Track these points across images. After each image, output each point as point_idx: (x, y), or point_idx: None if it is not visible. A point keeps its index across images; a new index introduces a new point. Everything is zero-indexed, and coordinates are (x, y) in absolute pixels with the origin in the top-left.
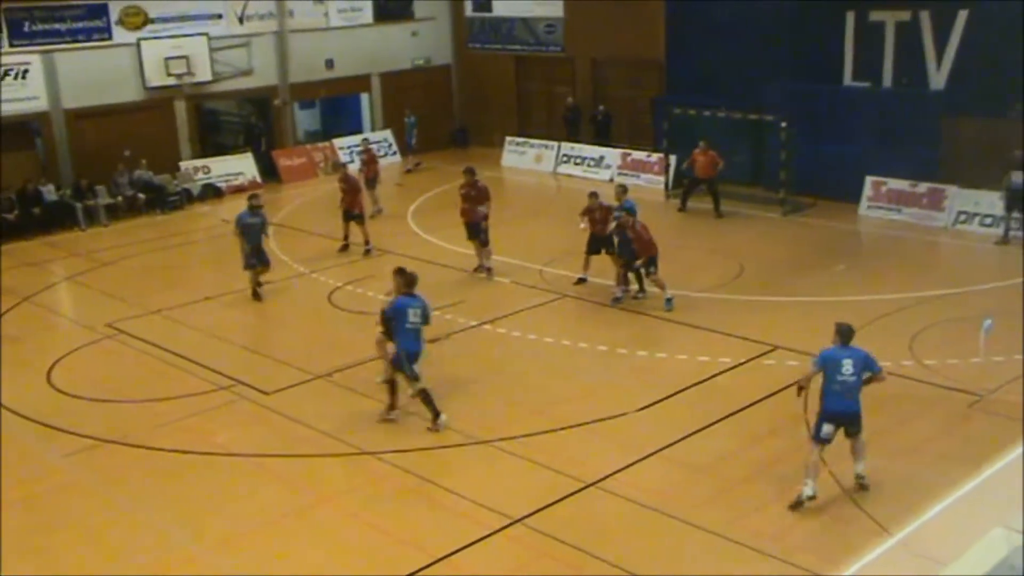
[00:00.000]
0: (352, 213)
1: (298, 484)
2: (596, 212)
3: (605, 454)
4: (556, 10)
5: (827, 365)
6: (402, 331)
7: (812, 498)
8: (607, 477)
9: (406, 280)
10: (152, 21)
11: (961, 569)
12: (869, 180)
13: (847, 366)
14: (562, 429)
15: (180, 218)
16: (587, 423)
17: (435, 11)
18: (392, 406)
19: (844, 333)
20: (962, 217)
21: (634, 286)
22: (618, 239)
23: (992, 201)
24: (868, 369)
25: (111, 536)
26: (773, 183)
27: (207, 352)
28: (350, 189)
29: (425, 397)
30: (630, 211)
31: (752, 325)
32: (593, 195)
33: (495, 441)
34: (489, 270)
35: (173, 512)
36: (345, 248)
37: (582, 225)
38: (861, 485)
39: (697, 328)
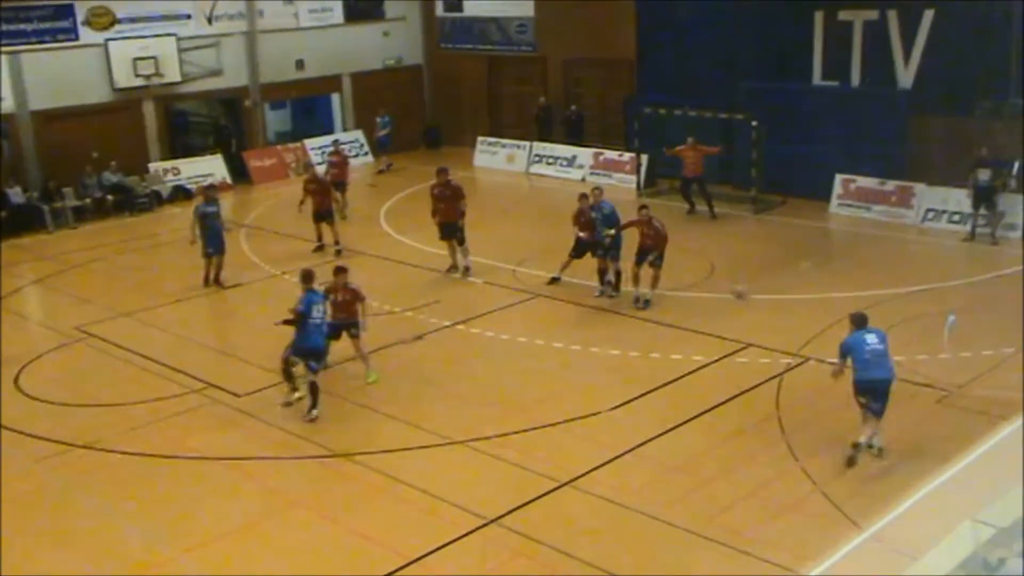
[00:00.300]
0: (322, 213)
1: (271, 487)
2: (587, 215)
3: (579, 453)
4: (527, 10)
5: (852, 347)
6: (307, 326)
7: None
8: (581, 476)
9: (304, 276)
10: (119, 21)
11: (932, 562)
12: (839, 178)
13: (872, 339)
14: (536, 429)
15: (149, 220)
16: (561, 422)
17: (406, 11)
18: (295, 388)
19: (858, 320)
20: (930, 214)
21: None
22: (610, 237)
23: (959, 198)
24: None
25: (82, 542)
26: (744, 181)
27: (178, 355)
28: (320, 189)
29: (313, 388)
30: (610, 214)
31: (724, 323)
32: (584, 197)
33: (469, 441)
34: (467, 269)
35: (145, 517)
36: (319, 249)
37: (582, 233)
38: (870, 452)
39: (670, 327)
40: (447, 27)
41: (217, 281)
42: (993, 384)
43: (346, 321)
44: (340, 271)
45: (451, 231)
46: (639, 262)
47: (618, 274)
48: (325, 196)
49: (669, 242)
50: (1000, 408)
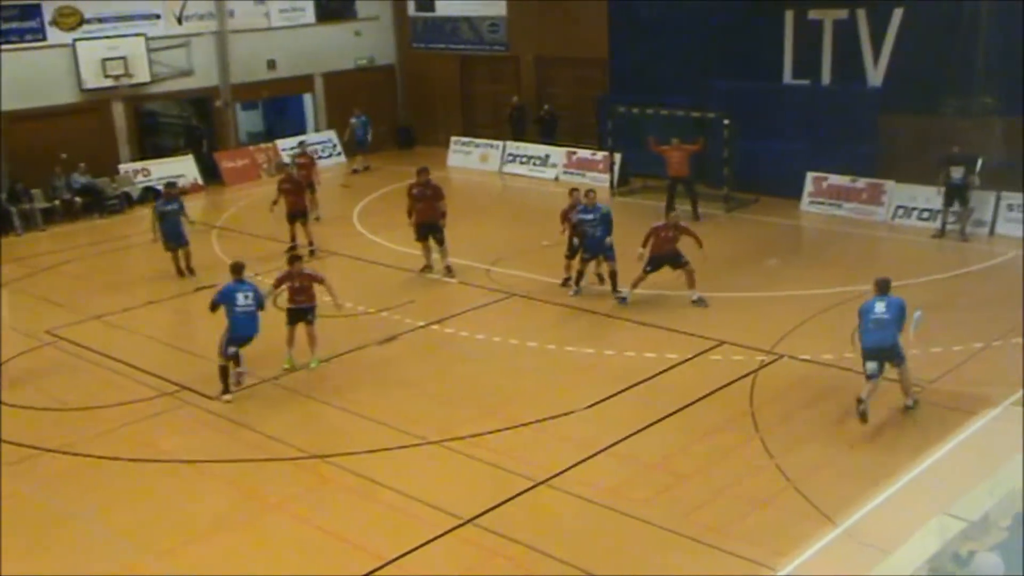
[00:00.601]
0: (295, 214)
1: (245, 489)
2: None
3: (555, 452)
4: (499, 9)
5: (863, 312)
6: (234, 315)
7: (865, 413)
8: (557, 475)
9: (233, 268)
10: (88, 21)
11: (904, 556)
12: (810, 176)
13: (880, 307)
14: (511, 428)
15: (120, 222)
16: (536, 421)
17: (378, 11)
18: (238, 368)
19: (881, 285)
20: (900, 211)
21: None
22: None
23: (928, 196)
24: (902, 313)
25: (53, 548)
26: (716, 180)
27: (150, 357)
28: (294, 189)
29: (223, 372)
30: (607, 214)
31: (698, 321)
32: (575, 191)
33: (444, 441)
34: (448, 268)
35: (117, 521)
36: (293, 250)
37: (563, 232)
38: (907, 409)
39: (644, 325)
40: (419, 27)
41: (189, 271)
42: (963, 379)
43: (306, 306)
44: (294, 260)
45: (429, 231)
46: (655, 269)
47: (613, 274)
48: (299, 196)
49: (620, 243)
50: (970, 403)
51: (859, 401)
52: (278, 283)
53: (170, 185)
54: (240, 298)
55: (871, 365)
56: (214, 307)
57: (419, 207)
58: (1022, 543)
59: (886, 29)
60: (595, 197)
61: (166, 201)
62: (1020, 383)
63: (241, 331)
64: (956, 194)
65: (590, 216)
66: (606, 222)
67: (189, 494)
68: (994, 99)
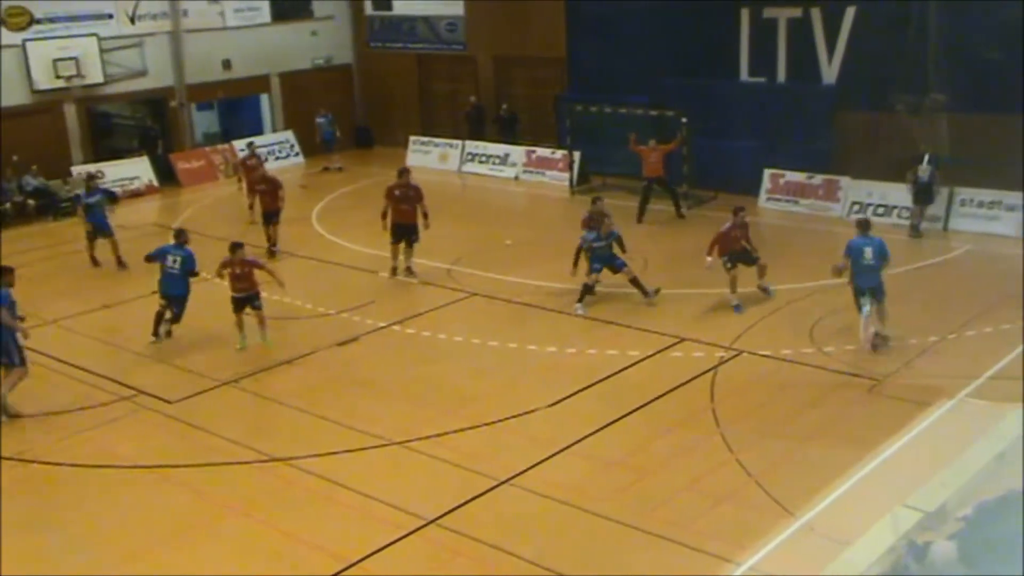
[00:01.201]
0: (269, 214)
1: (206, 494)
2: (598, 219)
3: (517, 451)
4: (457, 8)
5: (853, 252)
6: (164, 273)
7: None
8: (520, 474)
9: (175, 233)
10: (38, 21)
11: (863, 548)
12: (767, 173)
13: (868, 253)
14: (474, 427)
15: (73, 224)
16: (499, 420)
17: (335, 10)
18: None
19: (863, 225)
20: (855, 207)
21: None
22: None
23: (884, 191)
24: (884, 255)
25: (7, 555)
26: (675, 177)
27: (106, 362)
28: (271, 189)
29: (157, 316)
30: (617, 239)
31: (658, 318)
32: (598, 200)
33: (406, 442)
34: (410, 269)
35: (75, 528)
36: (272, 254)
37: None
38: (881, 340)
39: (605, 323)
40: (376, 26)
41: (119, 262)
42: (920, 372)
43: (248, 294)
44: (236, 247)
45: (407, 233)
46: (735, 264)
47: (634, 281)
48: (274, 196)
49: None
50: (926, 396)
51: (875, 338)
52: (220, 268)
53: (91, 177)
54: (169, 260)
55: (864, 300)
56: (148, 259)
57: (401, 208)
58: (980, 533)
59: (839, 27)
60: (610, 223)
61: (88, 193)
62: (974, 375)
63: (164, 288)
64: (924, 193)
65: (602, 243)
66: (616, 243)
67: (148, 500)
68: (945, 96)
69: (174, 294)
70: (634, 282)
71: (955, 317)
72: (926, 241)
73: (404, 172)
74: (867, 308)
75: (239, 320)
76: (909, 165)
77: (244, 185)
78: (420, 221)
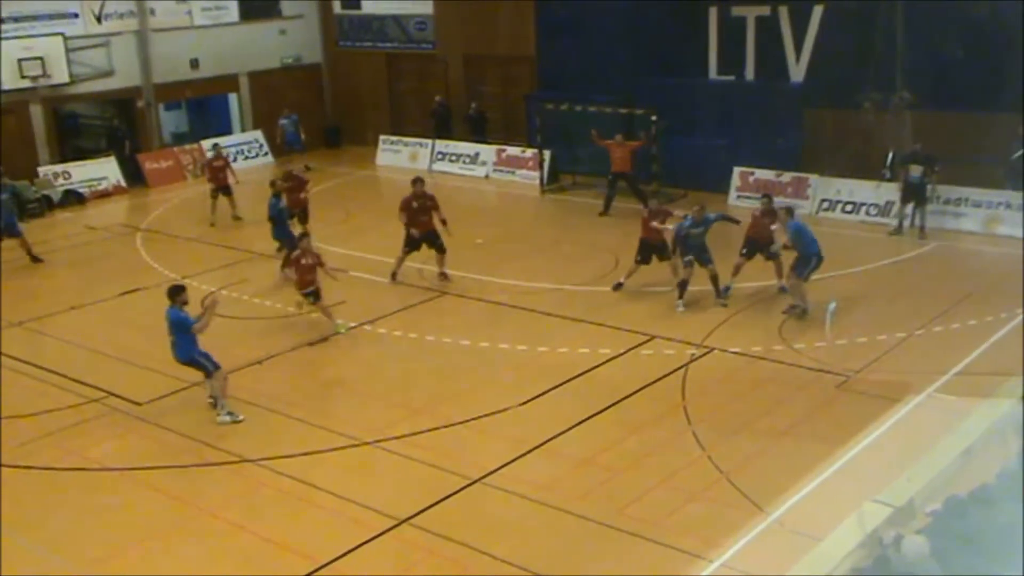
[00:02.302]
0: (294, 213)
1: (177, 496)
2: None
3: (489, 450)
4: (426, 7)
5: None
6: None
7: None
8: (492, 473)
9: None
10: (2, 21)
11: (834, 543)
12: (737, 171)
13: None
14: (446, 427)
15: (40, 226)
16: (471, 420)
17: (303, 9)
18: None
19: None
20: (825, 204)
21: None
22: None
23: (851, 188)
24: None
25: None
26: (645, 176)
27: (74, 364)
28: (298, 186)
29: None
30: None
31: (629, 316)
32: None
33: (379, 442)
34: (445, 274)
35: (44, 533)
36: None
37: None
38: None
39: (577, 321)
40: (345, 25)
41: (33, 258)
42: (888, 368)
43: (312, 288)
44: (303, 237)
45: (429, 241)
46: (750, 256)
47: (714, 277)
48: (297, 194)
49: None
50: (894, 391)
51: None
52: (292, 260)
53: None
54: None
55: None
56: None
57: (421, 220)
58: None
59: (807, 26)
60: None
61: None
62: (942, 371)
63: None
64: (914, 192)
65: (699, 229)
66: (725, 220)
67: (118, 502)
68: (912, 94)
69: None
70: (714, 280)
71: (923, 313)
72: (893, 238)
73: (418, 181)
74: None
75: (324, 310)
76: (901, 163)
77: (210, 186)
78: (439, 228)
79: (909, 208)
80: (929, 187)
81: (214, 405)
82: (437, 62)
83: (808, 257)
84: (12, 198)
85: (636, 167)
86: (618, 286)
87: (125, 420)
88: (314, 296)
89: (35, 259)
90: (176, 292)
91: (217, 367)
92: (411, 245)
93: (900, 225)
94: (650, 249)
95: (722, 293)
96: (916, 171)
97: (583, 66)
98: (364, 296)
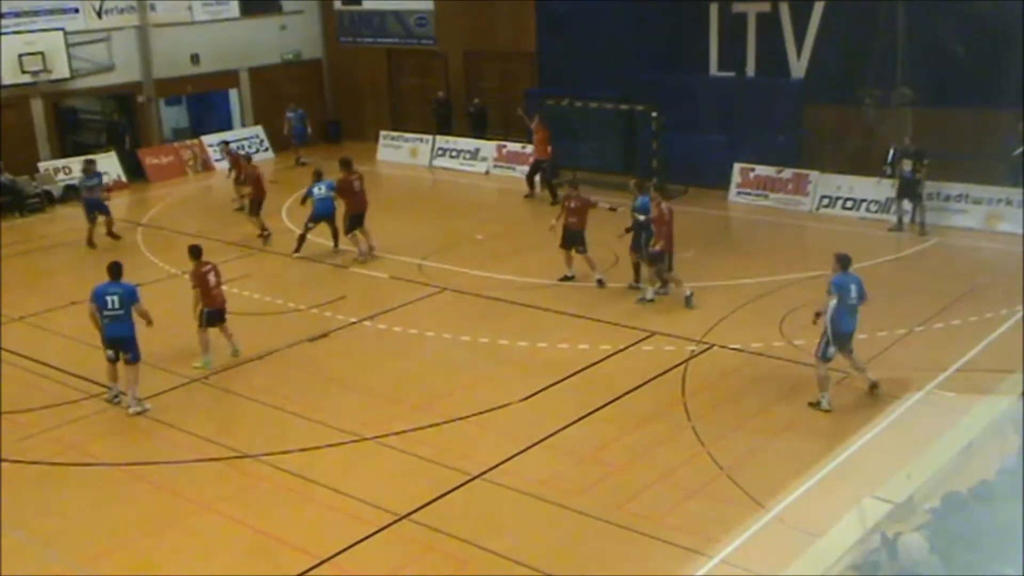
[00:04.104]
0: (358, 216)
1: (177, 491)
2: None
3: (489, 446)
4: (426, 3)
5: (841, 290)
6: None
7: (828, 411)
8: (492, 469)
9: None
10: (3, 16)
11: (834, 540)
12: (737, 167)
13: (853, 291)
14: (446, 422)
15: (41, 221)
16: (471, 415)
17: (303, 5)
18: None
19: (843, 261)
20: (825, 201)
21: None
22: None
23: (852, 185)
24: (864, 294)
25: None
26: (645, 172)
27: (75, 359)
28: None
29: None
30: (643, 209)
31: (629, 312)
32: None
33: (379, 438)
34: (600, 281)
35: (42, 528)
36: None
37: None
38: (874, 388)
39: (577, 317)
40: (346, 20)
41: (112, 235)
42: (887, 365)
43: (577, 230)
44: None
45: (577, 240)
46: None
47: (636, 265)
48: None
49: (551, 236)
50: (894, 388)
51: (819, 402)
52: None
53: None
54: (108, 301)
55: (833, 350)
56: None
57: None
58: (948, 524)
59: (808, 22)
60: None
61: None
62: (942, 368)
63: (111, 332)
64: (908, 188)
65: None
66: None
67: (119, 498)
68: (912, 90)
69: (120, 336)
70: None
71: (923, 310)
72: (893, 234)
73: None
74: (831, 357)
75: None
76: (896, 159)
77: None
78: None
79: (907, 204)
80: (920, 182)
81: (117, 403)
82: (437, 58)
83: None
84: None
85: (620, 162)
86: (565, 278)
87: (124, 415)
88: None
89: (114, 236)
90: (119, 269)
91: (139, 358)
92: (564, 243)
93: (900, 221)
94: (570, 238)
95: (636, 285)
96: (907, 166)
97: (583, 62)
98: (364, 292)
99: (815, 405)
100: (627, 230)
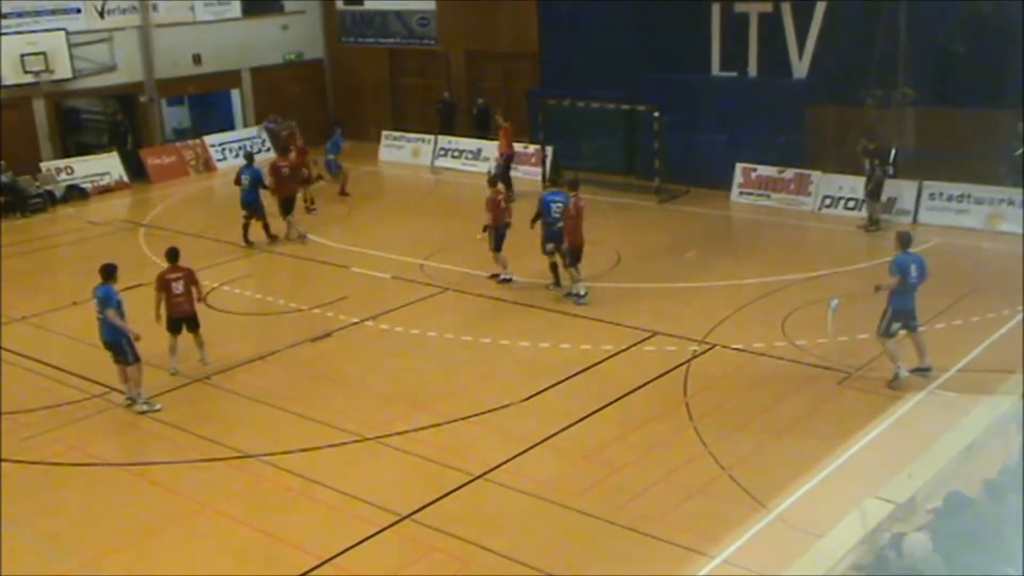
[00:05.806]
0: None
1: (179, 491)
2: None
3: (491, 446)
4: (428, 3)
5: (903, 270)
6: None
7: (905, 376)
8: (494, 469)
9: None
10: (5, 16)
11: (836, 540)
12: (739, 167)
13: (914, 270)
14: (448, 423)
15: (43, 221)
16: (473, 415)
17: (305, 5)
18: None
19: (905, 239)
20: (827, 201)
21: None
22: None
23: (855, 185)
24: (925, 273)
25: None
26: (647, 172)
27: (77, 359)
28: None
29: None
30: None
31: (631, 312)
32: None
33: (381, 438)
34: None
35: (44, 528)
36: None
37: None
38: (924, 374)
39: (579, 317)
40: (348, 21)
41: (269, 236)
42: (889, 365)
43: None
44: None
45: (575, 253)
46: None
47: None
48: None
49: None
50: (897, 388)
51: (895, 377)
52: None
53: None
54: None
55: (897, 325)
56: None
57: (571, 227)
58: (950, 524)
59: (810, 22)
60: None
61: None
62: (944, 368)
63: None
64: (871, 185)
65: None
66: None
67: (121, 498)
68: (914, 91)
69: (105, 340)
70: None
71: (925, 310)
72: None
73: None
74: (895, 333)
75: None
76: (864, 157)
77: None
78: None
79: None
80: (884, 179)
81: (130, 405)
82: (439, 58)
83: None
84: (252, 179)
85: (627, 163)
86: (495, 276)
87: (126, 415)
88: None
89: (271, 237)
90: (111, 271)
91: (138, 359)
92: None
93: (877, 220)
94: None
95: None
96: (867, 164)
97: (586, 62)
98: (365, 292)
99: (894, 380)
100: (532, 221)
